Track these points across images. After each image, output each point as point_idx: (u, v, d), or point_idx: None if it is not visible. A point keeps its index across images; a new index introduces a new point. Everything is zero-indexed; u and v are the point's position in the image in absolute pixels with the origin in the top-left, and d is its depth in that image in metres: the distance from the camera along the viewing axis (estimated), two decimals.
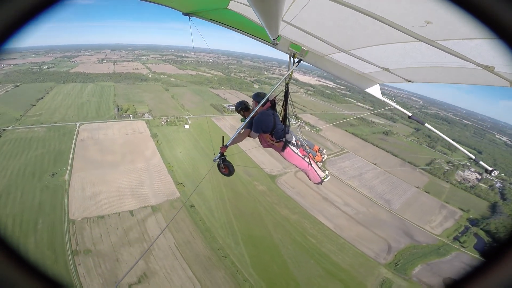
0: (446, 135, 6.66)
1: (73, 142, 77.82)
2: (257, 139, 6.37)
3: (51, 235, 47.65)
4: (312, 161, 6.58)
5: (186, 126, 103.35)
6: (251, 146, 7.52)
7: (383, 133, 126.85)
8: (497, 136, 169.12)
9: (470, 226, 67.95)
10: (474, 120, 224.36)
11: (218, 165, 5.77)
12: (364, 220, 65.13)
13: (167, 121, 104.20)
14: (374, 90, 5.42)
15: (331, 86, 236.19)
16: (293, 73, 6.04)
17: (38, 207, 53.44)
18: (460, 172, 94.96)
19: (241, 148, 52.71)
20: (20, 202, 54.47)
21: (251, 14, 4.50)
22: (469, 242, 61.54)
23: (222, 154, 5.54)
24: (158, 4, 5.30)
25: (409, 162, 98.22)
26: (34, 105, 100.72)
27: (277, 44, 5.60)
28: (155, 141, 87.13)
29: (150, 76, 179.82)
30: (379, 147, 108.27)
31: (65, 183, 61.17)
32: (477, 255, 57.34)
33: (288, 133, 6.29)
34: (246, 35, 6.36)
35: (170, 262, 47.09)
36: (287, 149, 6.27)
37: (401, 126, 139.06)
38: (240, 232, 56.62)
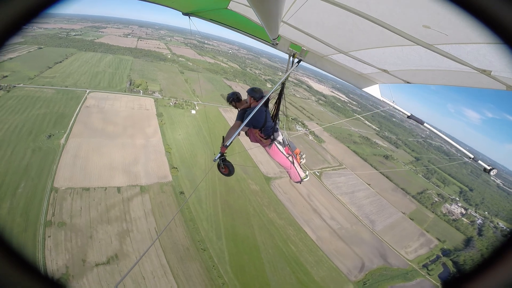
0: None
1: (78, 107, 74.66)
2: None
3: (29, 202, 44.09)
4: (295, 160, 6.58)
5: (193, 112, 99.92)
6: (254, 145, 6.65)
7: (384, 156, 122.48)
8: (492, 177, 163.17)
9: (441, 255, 67.35)
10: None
11: (218, 165, 5.64)
12: (346, 236, 63.10)
13: (175, 103, 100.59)
14: (374, 90, 5.18)
15: (342, 99, 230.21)
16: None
17: (24, 169, 49.88)
18: (447, 205, 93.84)
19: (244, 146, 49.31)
20: (8, 161, 50.98)
21: (251, 14, 4.32)
22: (436, 271, 61.13)
23: (222, 154, 5.29)
24: (158, 4, 4.96)
25: (402, 188, 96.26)
26: (50, 67, 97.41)
27: (277, 44, 5.37)
28: (159, 120, 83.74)
29: (169, 56, 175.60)
30: (376, 169, 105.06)
31: (59, 147, 58.00)
32: (438, 284, 56.76)
33: (277, 131, 6.20)
34: (246, 35, 6.23)
35: (146, 246, 43.88)
36: (273, 147, 6.21)
37: (402, 152, 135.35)
38: (224, 228, 53.85)
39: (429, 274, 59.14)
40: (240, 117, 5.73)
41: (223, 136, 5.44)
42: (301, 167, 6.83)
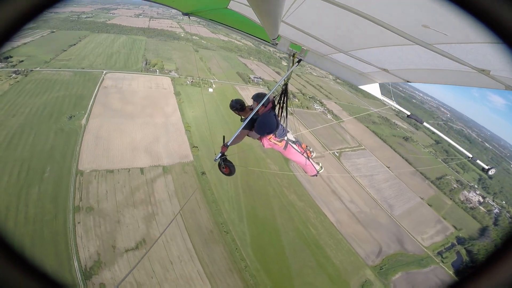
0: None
1: (96, 88, 72.36)
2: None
3: (56, 187, 43.07)
4: (309, 156, 6.43)
5: (210, 90, 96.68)
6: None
7: (403, 138, 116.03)
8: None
9: (456, 243, 64.78)
10: (496, 145, 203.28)
11: (219, 165, 5.49)
12: (365, 220, 61.00)
13: (192, 81, 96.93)
14: (374, 89, 5.11)
15: None
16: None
17: (48, 153, 48.73)
18: (465, 192, 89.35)
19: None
20: (32, 144, 49.93)
21: (251, 13, 4.15)
22: (449, 259, 59.15)
23: (223, 154, 5.11)
24: (158, 3, 4.96)
25: (420, 173, 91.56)
26: (65, 50, 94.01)
27: (276, 44, 5.20)
28: (177, 99, 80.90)
29: (182, 35, 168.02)
30: (396, 151, 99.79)
31: (81, 127, 56.79)
32: (451, 272, 55.63)
33: (288, 131, 6.18)
34: (246, 35, 6.05)
35: (172, 230, 43.19)
36: (289, 147, 6.04)
37: (422, 135, 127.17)
38: (245, 209, 52.43)
39: (443, 262, 57.27)
40: (249, 126, 5.46)
41: (223, 136, 5.24)
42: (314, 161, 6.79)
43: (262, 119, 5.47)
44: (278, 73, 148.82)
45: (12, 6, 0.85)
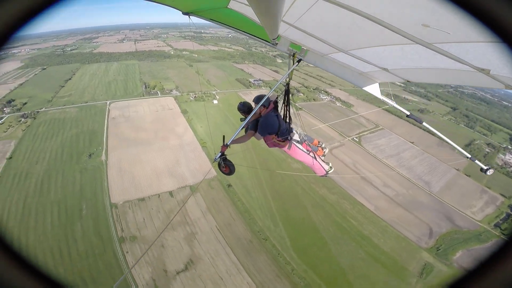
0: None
1: (105, 120, 74.88)
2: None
3: (96, 222, 45.50)
4: (315, 155, 6.54)
5: (215, 102, 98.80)
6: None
7: (418, 110, 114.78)
8: None
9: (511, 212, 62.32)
10: None
11: (219, 164, 5.65)
12: (404, 202, 60.22)
13: (195, 96, 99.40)
14: (374, 89, 5.14)
15: None
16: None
17: (79, 192, 51.31)
18: (501, 155, 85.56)
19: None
20: (62, 186, 52.56)
21: (251, 13, 4.15)
22: (510, 229, 54.95)
23: (222, 153, 5.41)
24: (158, 3, 4.89)
25: (447, 142, 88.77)
26: (63, 86, 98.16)
27: (276, 44, 5.41)
28: (185, 117, 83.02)
29: (172, 53, 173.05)
30: (415, 125, 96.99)
31: (103, 164, 59.04)
32: None
33: (291, 131, 6.28)
34: (246, 34, 6.20)
35: (213, 246, 44.52)
36: (293, 147, 6.22)
37: (436, 104, 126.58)
38: (278, 213, 53.19)
39: (504, 234, 55.09)
40: (254, 127, 5.83)
41: (223, 136, 5.45)
42: (323, 160, 6.79)
43: (263, 119, 5.79)
44: (276, 71, 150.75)
45: (12, 6, 0.89)
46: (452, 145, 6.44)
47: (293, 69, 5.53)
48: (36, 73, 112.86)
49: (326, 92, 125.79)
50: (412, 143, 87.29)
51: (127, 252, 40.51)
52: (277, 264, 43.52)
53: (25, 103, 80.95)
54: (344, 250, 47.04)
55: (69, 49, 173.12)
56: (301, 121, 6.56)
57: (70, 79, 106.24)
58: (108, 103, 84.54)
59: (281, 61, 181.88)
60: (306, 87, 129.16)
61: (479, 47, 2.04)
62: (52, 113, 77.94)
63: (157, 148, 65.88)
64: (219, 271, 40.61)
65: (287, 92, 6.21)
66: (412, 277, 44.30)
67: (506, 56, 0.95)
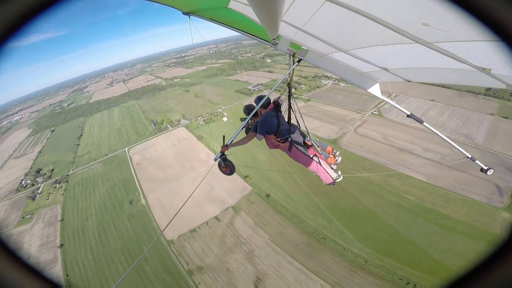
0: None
1: (131, 168, 79.03)
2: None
3: (161, 260, 48.42)
4: (322, 161, 6.43)
5: (225, 119, 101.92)
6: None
7: None
8: None
9: None
10: None
11: (219, 164, 5.91)
12: (455, 164, 58.10)
13: (204, 120, 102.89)
14: (374, 89, 5.31)
15: None
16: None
17: (135, 236, 55.08)
18: None
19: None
20: (118, 235, 56.72)
21: (251, 13, 4.23)
22: None
23: (222, 153, 5.66)
24: (158, 3, 4.96)
25: (466, 91, 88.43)
26: (78, 145, 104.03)
27: (277, 44, 5.58)
28: (203, 142, 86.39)
29: (164, 83, 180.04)
30: (427, 84, 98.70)
31: (145, 207, 62.54)
32: None
33: (293, 132, 6.27)
34: (246, 34, 6.33)
35: (274, 258, 45.74)
36: (293, 149, 6.24)
37: None
38: (327, 209, 53.51)
39: None
40: (255, 129, 6.06)
41: (223, 136, 5.79)
42: (331, 168, 6.65)
43: (262, 118, 6.01)
44: (270, 71, 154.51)
45: (12, 6, 0.93)
46: (452, 144, 6.39)
47: (293, 69, 5.69)
48: (47, 136, 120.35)
49: (326, 76, 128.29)
50: (432, 100, 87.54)
51: (199, 283, 43.04)
52: (347, 259, 43.49)
53: (53, 170, 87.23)
54: (413, 228, 45.83)
55: (66, 104, 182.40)
56: (305, 124, 6.53)
57: (81, 135, 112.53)
58: (126, 150, 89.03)
59: (270, 60, 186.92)
60: (304, 77, 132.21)
61: (479, 46, 2.11)
62: (80, 173, 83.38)
63: (189, 179, 69.23)
64: (288, 281, 41.67)
65: (288, 93, 6.33)
66: None
67: (506, 55, 1.00)
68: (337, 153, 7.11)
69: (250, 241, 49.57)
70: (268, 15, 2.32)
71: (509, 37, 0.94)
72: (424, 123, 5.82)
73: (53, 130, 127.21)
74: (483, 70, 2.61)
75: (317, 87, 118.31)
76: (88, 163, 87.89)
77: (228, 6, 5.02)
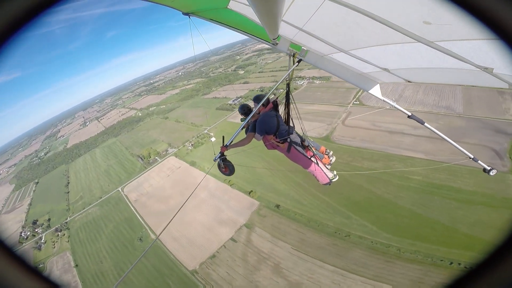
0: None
1: (131, 206, 76.66)
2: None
3: None
4: (318, 161, 6.52)
5: (213, 139, 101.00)
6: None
7: None
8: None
9: None
10: None
11: (219, 165, 5.92)
12: (446, 135, 62.08)
13: (192, 145, 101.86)
14: (375, 90, 5.34)
15: None
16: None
17: (158, 273, 53.35)
18: None
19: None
20: (138, 273, 54.46)
21: (251, 13, 4.36)
22: None
23: (222, 154, 5.68)
24: (158, 4, 5.12)
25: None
26: (68, 192, 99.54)
27: (277, 44, 5.59)
28: (197, 167, 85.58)
29: (140, 114, 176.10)
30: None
31: (157, 242, 60.49)
32: None
33: (292, 133, 6.31)
34: (246, 35, 6.40)
35: (303, 266, 45.83)
36: (292, 150, 6.26)
37: None
38: (341, 206, 54.25)
39: None
40: (253, 129, 6.10)
41: (223, 136, 5.83)
42: (327, 167, 6.79)
43: (261, 118, 6.02)
44: (246, 82, 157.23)
45: (12, 6, 0.94)
46: (453, 145, 6.40)
47: (293, 69, 5.75)
48: (33, 189, 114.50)
49: (300, 77, 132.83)
50: (409, 82, 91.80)
51: None
52: (378, 251, 43.78)
53: (49, 219, 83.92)
54: (432, 208, 46.85)
55: (43, 154, 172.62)
56: (303, 125, 6.70)
57: (68, 182, 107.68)
58: (120, 190, 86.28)
59: (243, 71, 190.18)
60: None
61: (482, 45, 2.12)
62: (79, 219, 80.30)
63: (193, 207, 67.99)
64: (325, 285, 41.78)
65: (287, 93, 6.39)
66: None
67: (508, 54, 1.00)
68: (331, 153, 7.29)
69: (273, 255, 49.50)
70: (268, 15, 2.35)
71: (508, 36, 0.95)
72: (425, 124, 5.84)
73: (37, 182, 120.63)
74: (485, 69, 2.62)
75: (294, 89, 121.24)
76: (84, 208, 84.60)
77: (228, 7, 5.05)
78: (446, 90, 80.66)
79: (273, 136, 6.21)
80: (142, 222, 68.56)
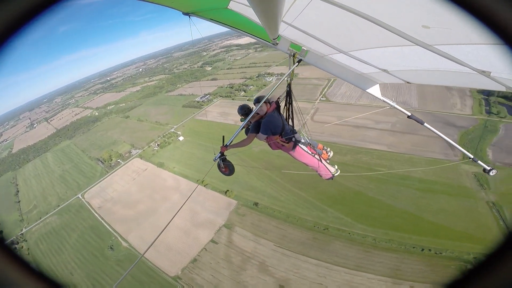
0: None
1: (94, 213, 69.85)
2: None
3: None
4: (321, 157, 6.73)
5: (181, 138, 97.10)
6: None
7: None
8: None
9: (486, 97, 72.12)
10: None
11: (218, 165, 5.87)
12: (405, 129, 66.20)
13: (158, 145, 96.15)
14: (374, 90, 5.42)
15: None
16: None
17: (137, 282, 49.34)
18: None
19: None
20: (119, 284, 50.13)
21: (251, 14, 4.34)
22: (502, 112, 64.99)
23: (222, 154, 5.64)
24: (158, 4, 5.09)
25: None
26: (19, 201, 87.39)
27: (277, 44, 5.64)
28: (165, 168, 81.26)
29: (97, 114, 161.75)
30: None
31: (130, 249, 56.78)
32: None
33: (296, 132, 6.43)
34: (246, 35, 6.52)
35: (288, 262, 46.23)
36: (297, 149, 6.39)
37: None
38: (317, 200, 55.47)
39: (501, 117, 63.79)
40: (255, 129, 6.09)
41: (223, 136, 5.79)
42: (328, 163, 7.00)
43: (268, 118, 5.99)
44: (214, 79, 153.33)
45: (12, 6, 0.94)
46: (456, 146, 6.57)
47: (293, 69, 5.77)
48: None
49: (268, 74, 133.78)
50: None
51: None
52: (356, 242, 45.67)
53: (1, 231, 71.18)
54: (400, 198, 49.69)
55: None
56: (304, 122, 6.80)
57: (18, 191, 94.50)
58: (80, 196, 78.25)
59: (210, 68, 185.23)
60: (249, 78, 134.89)
61: (479, 49, 2.14)
62: (36, 230, 71.38)
63: (165, 211, 64.47)
64: (312, 279, 42.60)
65: (288, 93, 6.36)
66: (477, 192, 47.51)
67: (507, 58, 1.00)
68: (328, 149, 7.45)
69: (257, 253, 49.07)
70: (268, 15, 2.37)
71: (510, 39, 0.95)
72: (425, 124, 5.97)
73: None
74: (482, 72, 2.67)
75: (264, 85, 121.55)
76: (41, 218, 75.06)
77: (228, 7, 5.04)
78: (402, 86, 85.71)
79: (279, 136, 6.16)
80: (110, 229, 63.06)
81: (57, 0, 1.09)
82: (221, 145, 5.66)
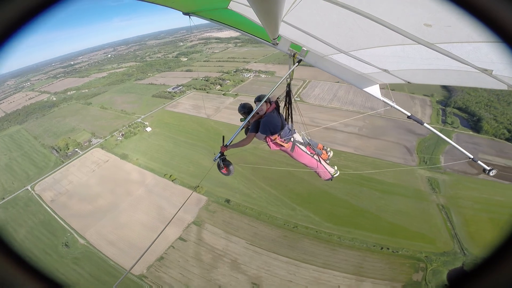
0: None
1: (46, 207, 62.36)
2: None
3: None
4: (320, 158, 6.72)
5: (148, 129, 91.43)
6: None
7: None
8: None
9: (444, 107, 78.01)
10: None
11: (218, 165, 5.89)
12: (370, 133, 69.52)
13: (122, 135, 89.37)
14: (374, 90, 5.44)
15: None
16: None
17: (98, 281, 45.69)
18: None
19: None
20: (75, 283, 46.31)
21: (251, 14, 4.37)
22: (456, 123, 70.97)
23: (222, 154, 5.64)
24: (158, 4, 5.05)
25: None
26: None
27: (277, 44, 5.66)
28: (129, 160, 75.76)
29: (54, 98, 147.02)
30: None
31: (88, 246, 51.59)
32: (470, 132, 67.12)
33: (295, 133, 6.42)
34: (246, 35, 6.52)
35: (259, 260, 45.62)
36: (296, 149, 6.33)
37: None
38: (286, 198, 55.69)
39: (454, 127, 69.06)
40: (255, 129, 6.01)
41: (223, 136, 5.79)
42: (327, 164, 6.96)
43: (267, 118, 5.92)
44: (189, 70, 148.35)
45: (12, 6, 0.93)
46: (454, 145, 6.51)
47: (294, 69, 5.71)
48: None
49: (247, 70, 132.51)
50: (338, 82, 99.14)
51: None
52: (323, 240, 46.59)
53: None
54: (362, 198, 51.57)
55: None
56: (304, 123, 6.75)
57: None
58: (30, 188, 69.46)
59: (186, 58, 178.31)
60: (227, 72, 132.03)
61: (481, 47, 2.12)
62: None
63: (128, 206, 59.75)
64: (282, 276, 42.52)
65: (288, 93, 6.33)
66: (430, 195, 50.58)
67: (508, 56, 1.00)
68: (328, 149, 7.34)
69: (229, 251, 47.70)
70: (268, 16, 2.31)
71: (509, 37, 0.94)
72: (425, 124, 5.92)
73: None
74: (484, 71, 2.64)
75: (241, 81, 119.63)
76: None
77: (228, 7, 5.01)
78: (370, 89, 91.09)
79: (278, 136, 6.06)
80: (65, 225, 56.77)
81: (57, 0, 1.05)
82: (221, 145, 5.57)
